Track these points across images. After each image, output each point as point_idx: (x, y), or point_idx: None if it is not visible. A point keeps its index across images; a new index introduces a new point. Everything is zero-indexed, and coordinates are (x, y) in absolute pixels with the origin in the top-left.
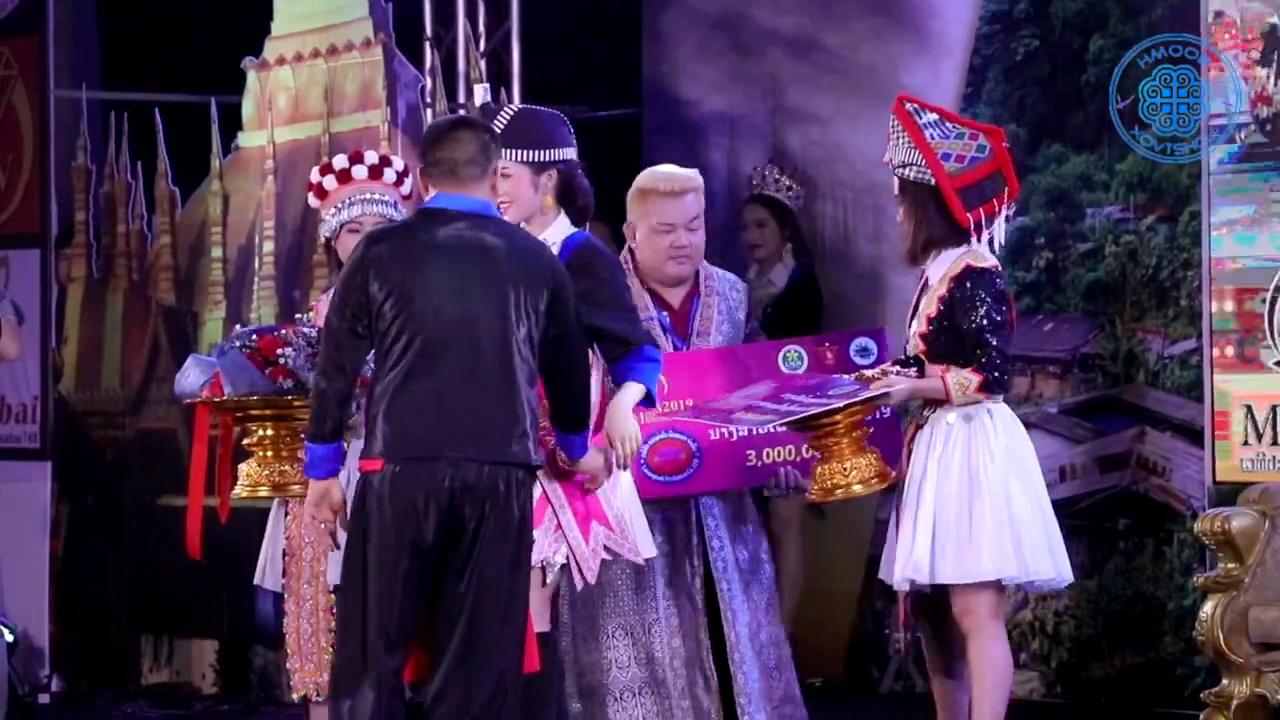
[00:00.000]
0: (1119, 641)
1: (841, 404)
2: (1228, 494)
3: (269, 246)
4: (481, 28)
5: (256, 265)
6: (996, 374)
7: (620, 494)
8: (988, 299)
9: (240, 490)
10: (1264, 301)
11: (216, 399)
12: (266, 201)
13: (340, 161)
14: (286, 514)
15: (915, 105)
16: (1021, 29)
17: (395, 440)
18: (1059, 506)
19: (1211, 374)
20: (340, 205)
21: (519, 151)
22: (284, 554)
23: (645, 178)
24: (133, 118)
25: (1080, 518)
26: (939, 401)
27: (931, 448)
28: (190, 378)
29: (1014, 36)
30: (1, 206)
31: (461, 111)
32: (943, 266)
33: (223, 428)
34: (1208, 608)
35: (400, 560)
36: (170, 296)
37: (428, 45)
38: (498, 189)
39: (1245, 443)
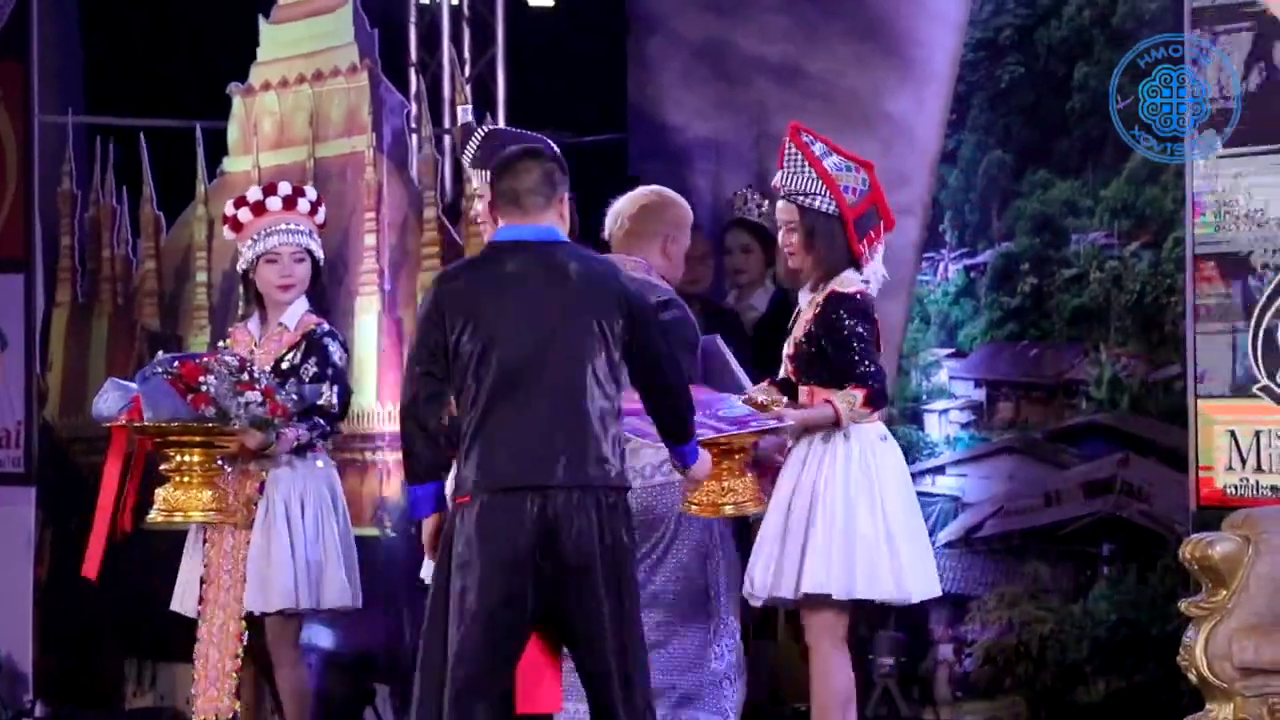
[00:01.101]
0: (1103, 666)
1: (732, 433)
2: (1212, 519)
3: None
4: (467, 53)
5: (241, 290)
6: (877, 386)
7: None
8: (855, 318)
9: (155, 515)
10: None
11: (136, 423)
12: None
13: (254, 194)
14: (205, 540)
15: (809, 135)
16: (1006, 56)
17: (483, 475)
18: (1044, 531)
19: (1195, 399)
20: (256, 237)
21: (488, 172)
22: (201, 581)
23: (680, 200)
24: (118, 143)
25: (1065, 543)
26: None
27: (792, 468)
28: (108, 400)
29: (999, 64)
30: None
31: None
32: (810, 293)
33: (138, 450)
34: (1191, 633)
35: (495, 593)
36: (155, 321)
37: (413, 71)
38: (565, 216)
39: (1229, 468)
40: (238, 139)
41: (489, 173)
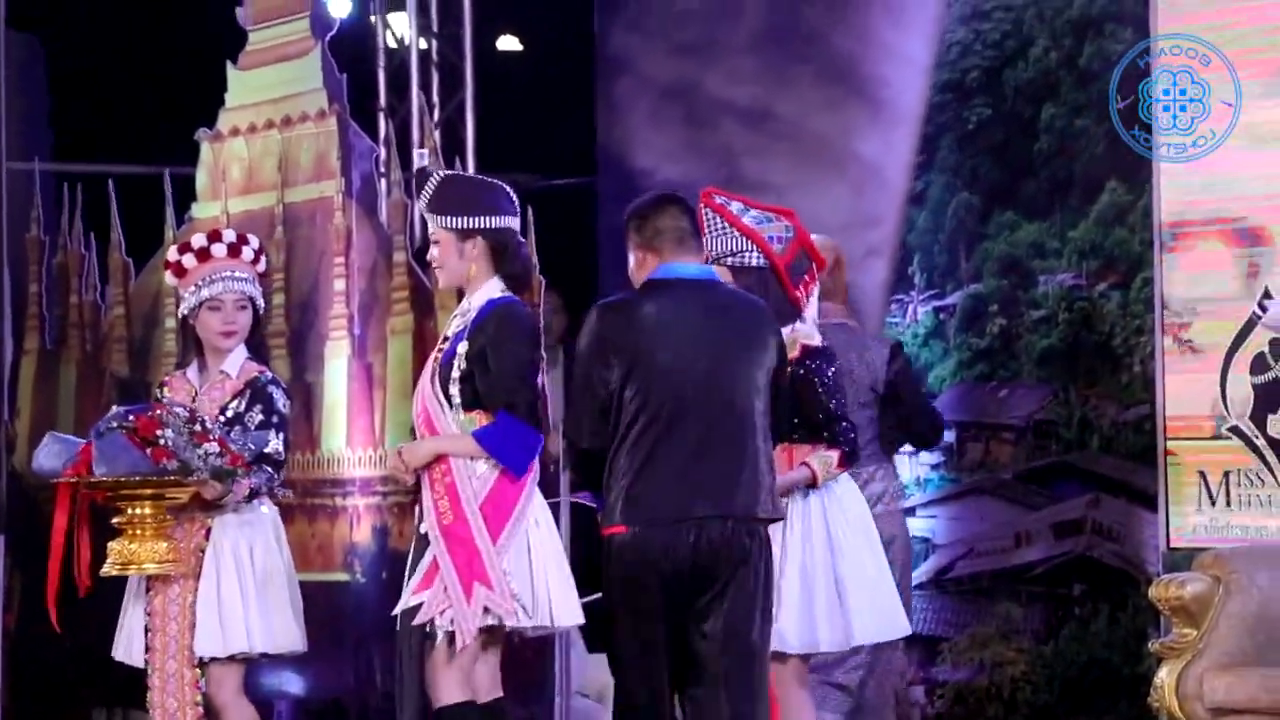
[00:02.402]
0: (1075, 708)
1: None
2: (1182, 559)
3: None
4: (436, 97)
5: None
6: (850, 447)
7: (540, 552)
8: (829, 376)
9: (110, 568)
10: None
11: (89, 479)
12: None
13: (199, 240)
14: (148, 589)
15: (723, 197)
16: (974, 98)
17: (641, 510)
18: (1015, 572)
19: (1165, 440)
20: (200, 283)
21: (444, 217)
22: (145, 629)
23: None
24: (86, 189)
25: (1035, 584)
26: None
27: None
28: (50, 454)
29: (966, 105)
30: None
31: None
32: None
33: (83, 501)
34: (1162, 673)
35: (650, 627)
36: (124, 368)
37: (382, 115)
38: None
39: (1199, 508)
40: (206, 185)
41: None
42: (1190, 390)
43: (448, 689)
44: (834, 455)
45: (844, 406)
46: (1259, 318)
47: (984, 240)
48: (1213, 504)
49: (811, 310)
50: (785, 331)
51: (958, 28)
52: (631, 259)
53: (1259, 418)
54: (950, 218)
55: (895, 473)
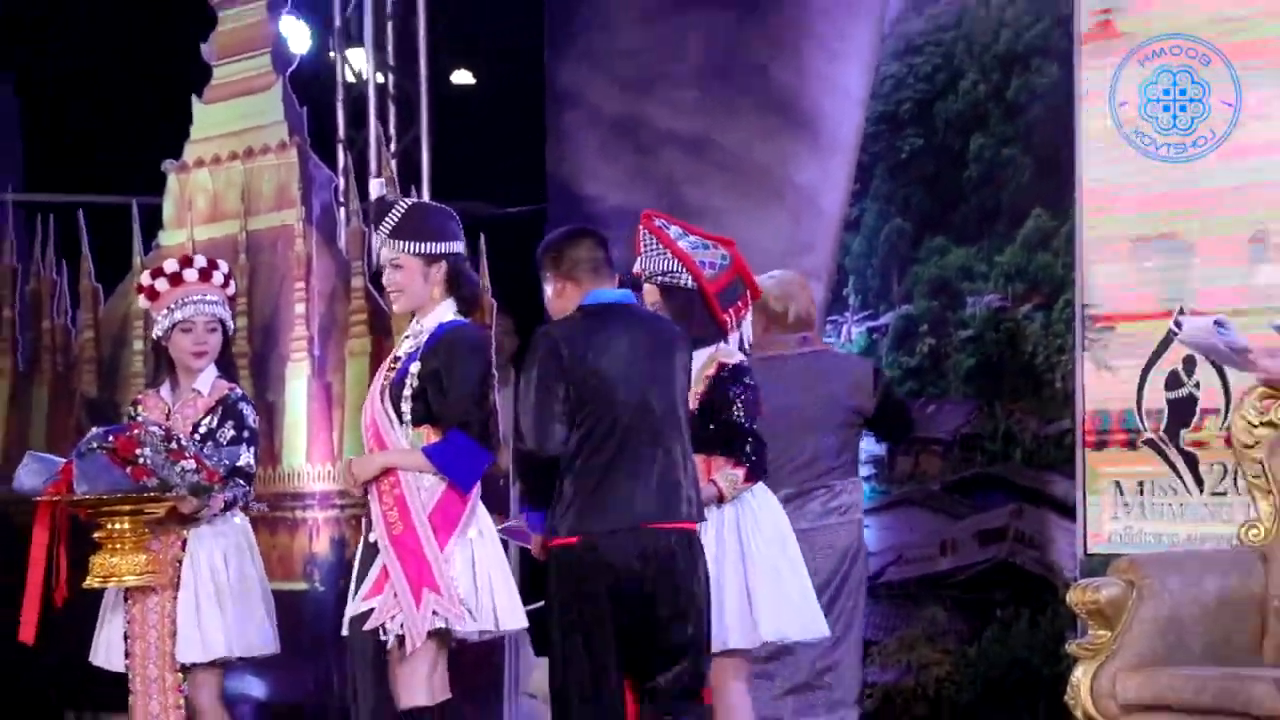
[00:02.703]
0: (997, 707)
1: None
2: (1098, 565)
3: None
4: (393, 129)
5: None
6: (757, 462)
7: (483, 561)
8: (744, 392)
9: (91, 580)
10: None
11: (73, 498)
12: None
13: (171, 265)
14: (127, 597)
15: (662, 220)
16: (906, 129)
17: (590, 523)
18: (941, 578)
19: (1084, 452)
20: (173, 306)
21: (411, 244)
22: (125, 636)
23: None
24: (58, 219)
25: (960, 589)
26: None
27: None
28: (31, 472)
29: (899, 136)
30: None
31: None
32: (694, 365)
33: (61, 517)
34: (1078, 673)
35: (601, 634)
36: (93, 388)
37: (341, 147)
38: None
39: (1115, 517)
40: (172, 214)
41: (545, 248)
42: (1109, 404)
43: (410, 693)
44: (739, 473)
45: (755, 422)
46: (1175, 334)
47: (915, 264)
48: (1128, 512)
49: (740, 334)
50: (709, 350)
51: (891, 62)
52: (549, 289)
53: (1173, 431)
54: (883, 243)
55: (860, 487)
